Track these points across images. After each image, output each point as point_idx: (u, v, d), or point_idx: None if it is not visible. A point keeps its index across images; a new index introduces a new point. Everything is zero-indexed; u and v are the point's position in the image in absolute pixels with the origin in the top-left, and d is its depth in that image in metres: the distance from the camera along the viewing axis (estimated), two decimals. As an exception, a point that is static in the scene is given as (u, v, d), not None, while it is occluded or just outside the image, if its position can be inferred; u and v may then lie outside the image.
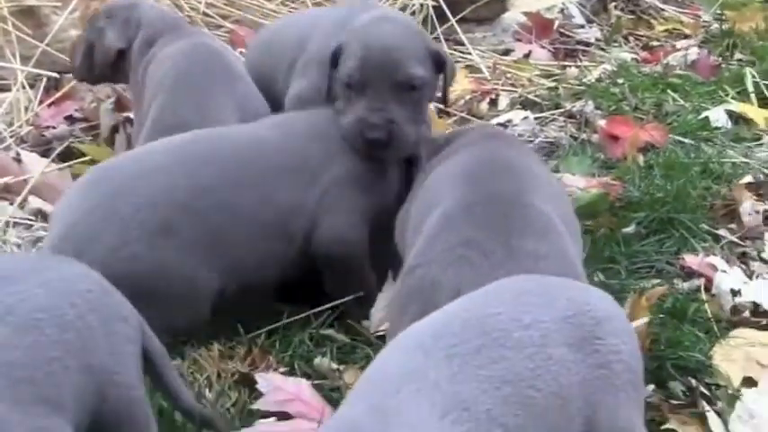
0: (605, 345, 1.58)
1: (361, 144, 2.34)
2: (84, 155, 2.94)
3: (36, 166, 2.82)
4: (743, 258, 2.74)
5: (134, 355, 1.65)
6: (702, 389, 2.15)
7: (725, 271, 2.57)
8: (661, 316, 2.33)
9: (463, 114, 3.46)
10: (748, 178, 3.02)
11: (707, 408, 2.06)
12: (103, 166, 2.29)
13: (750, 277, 2.61)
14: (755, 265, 2.69)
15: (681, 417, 2.06)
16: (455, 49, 3.90)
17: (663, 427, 2.01)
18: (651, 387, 2.11)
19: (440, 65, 2.44)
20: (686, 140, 3.27)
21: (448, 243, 1.90)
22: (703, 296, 2.46)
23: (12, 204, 2.66)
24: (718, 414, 2.05)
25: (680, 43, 4.36)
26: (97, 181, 2.20)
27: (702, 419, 2.04)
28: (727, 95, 3.62)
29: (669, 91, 3.65)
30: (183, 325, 2.13)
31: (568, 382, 1.51)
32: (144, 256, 2.10)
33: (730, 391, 2.11)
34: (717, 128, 3.41)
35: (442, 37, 3.85)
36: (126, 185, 2.15)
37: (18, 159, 2.83)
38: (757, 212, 2.88)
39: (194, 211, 2.16)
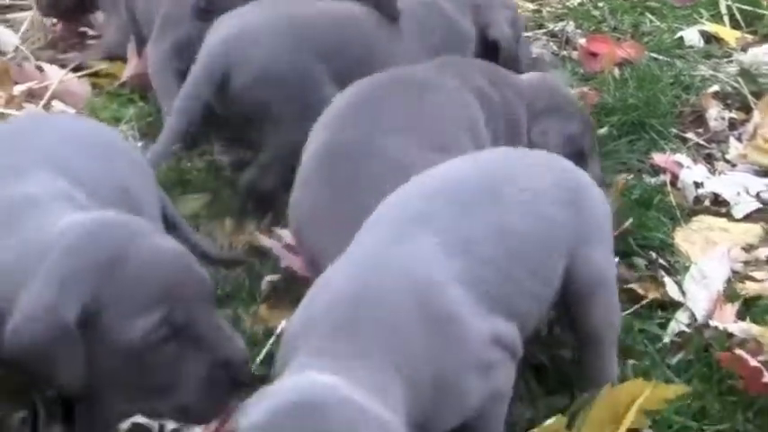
0: (586, 207, 1.87)
1: None
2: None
3: (56, 74, 3.04)
4: (708, 159, 2.97)
5: None
6: (662, 262, 2.41)
7: (689, 167, 2.81)
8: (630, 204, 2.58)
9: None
10: (715, 88, 3.25)
11: (664, 275, 2.31)
12: None
13: (713, 174, 2.85)
14: (719, 165, 2.93)
15: (642, 283, 2.31)
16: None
17: (625, 286, 2.27)
18: (616, 259, 2.36)
19: None
20: (660, 57, 3.49)
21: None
22: (669, 188, 2.70)
23: (37, 107, 2.89)
24: (676, 283, 2.30)
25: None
26: None
27: (661, 285, 2.29)
28: (701, 18, 3.83)
29: (647, 13, 3.86)
30: None
31: (556, 235, 1.78)
32: None
33: (687, 264, 2.35)
34: (690, 46, 3.62)
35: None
36: None
37: (40, 68, 3.05)
38: (723, 119, 3.11)
39: None
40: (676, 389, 1.83)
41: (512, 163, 1.88)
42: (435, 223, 1.66)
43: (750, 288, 2.28)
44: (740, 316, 2.16)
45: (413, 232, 1.65)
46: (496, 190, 1.76)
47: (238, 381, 1.57)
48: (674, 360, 2.05)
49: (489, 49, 2.79)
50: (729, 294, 2.21)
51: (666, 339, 2.11)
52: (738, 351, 1.93)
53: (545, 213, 1.80)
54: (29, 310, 1.48)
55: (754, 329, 2.04)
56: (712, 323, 2.09)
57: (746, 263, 2.45)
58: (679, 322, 2.13)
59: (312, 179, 2.04)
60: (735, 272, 2.38)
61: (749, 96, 3.20)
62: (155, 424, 1.81)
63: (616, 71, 3.32)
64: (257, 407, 1.37)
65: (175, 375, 1.54)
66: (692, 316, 2.16)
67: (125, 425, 1.79)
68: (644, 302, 2.23)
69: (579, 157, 2.36)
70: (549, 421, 1.73)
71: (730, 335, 2.06)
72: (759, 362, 1.93)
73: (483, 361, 1.59)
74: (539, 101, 2.45)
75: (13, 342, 1.48)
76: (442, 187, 1.75)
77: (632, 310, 2.19)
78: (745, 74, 3.31)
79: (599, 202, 1.92)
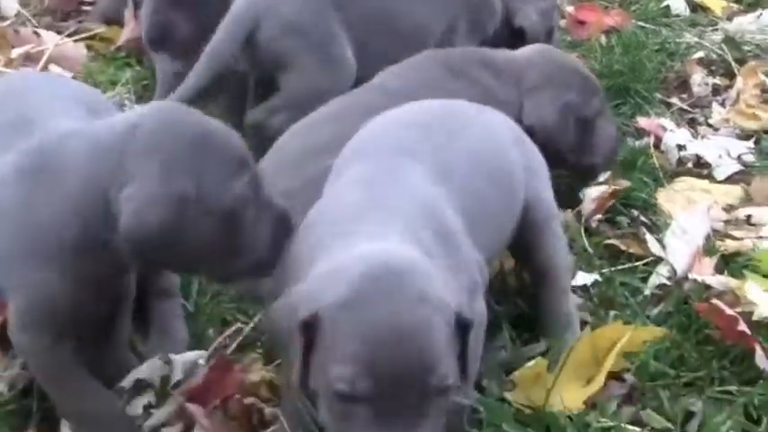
0: (528, 146, 2.01)
1: None
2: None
3: (53, 39, 3.10)
4: (692, 124, 3.04)
5: None
6: (644, 220, 2.48)
7: (673, 131, 2.88)
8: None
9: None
10: (700, 55, 3.31)
11: (645, 232, 2.37)
12: None
13: (696, 138, 2.92)
14: (702, 129, 3.00)
15: (624, 240, 2.38)
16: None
17: (605, 242, 2.34)
18: (598, 216, 2.43)
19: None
20: (647, 25, 3.55)
21: None
22: (652, 151, 2.77)
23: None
24: (658, 240, 2.37)
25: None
26: None
27: (643, 242, 2.36)
28: (689, -14, 3.89)
29: (635, -18, 3.92)
30: None
31: (516, 169, 1.86)
32: None
33: (669, 222, 2.42)
34: (676, 15, 3.69)
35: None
36: None
37: (37, 33, 3.10)
38: (707, 84, 3.18)
39: None
40: (654, 331, 1.91)
41: (465, 106, 1.97)
42: (417, 153, 1.74)
43: (729, 245, 2.34)
44: (719, 271, 2.23)
45: (400, 160, 1.72)
46: (462, 126, 1.86)
47: (290, 232, 1.70)
48: (654, 311, 2.11)
49: (516, 36, 2.81)
50: (709, 249, 2.28)
51: (647, 292, 2.17)
52: (715, 301, 2.00)
53: (506, 148, 1.92)
54: (145, 194, 1.58)
55: (732, 282, 2.10)
56: (691, 276, 2.16)
57: (727, 222, 2.51)
58: (659, 275, 2.19)
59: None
60: (715, 230, 2.43)
61: (733, 63, 3.26)
62: (156, 379, 1.88)
63: (603, 38, 3.38)
64: (322, 288, 1.43)
65: (253, 234, 1.69)
66: (672, 270, 2.22)
67: (128, 382, 1.86)
68: (625, 258, 2.30)
69: (583, 124, 2.42)
70: (529, 364, 1.81)
71: (708, 287, 2.12)
72: (735, 313, 2.00)
73: (473, 283, 1.66)
74: (529, 75, 2.42)
75: (139, 225, 1.58)
76: (413, 120, 1.84)
77: (615, 266, 2.26)
78: (730, 41, 3.38)
79: (533, 145, 2.04)
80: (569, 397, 1.77)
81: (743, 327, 1.94)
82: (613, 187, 2.49)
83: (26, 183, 1.68)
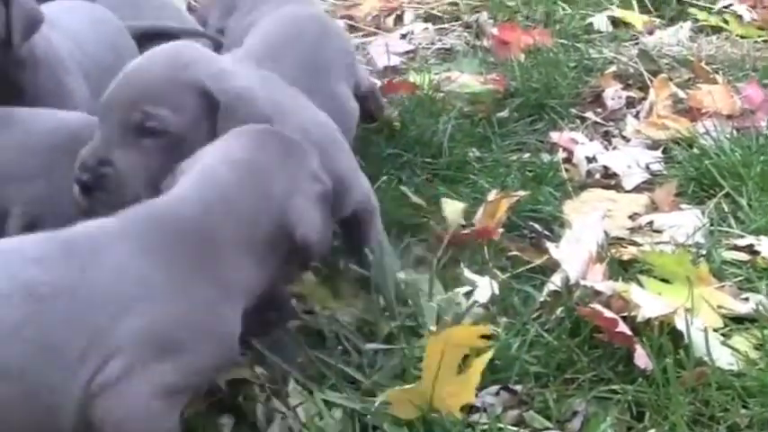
0: None
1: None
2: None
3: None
4: (605, 136, 3.13)
5: None
6: (546, 232, 2.55)
7: (584, 144, 2.97)
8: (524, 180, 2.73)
9: (371, 28, 3.84)
10: (614, 69, 3.41)
11: (546, 243, 2.45)
12: None
13: (608, 150, 3.01)
14: (615, 141, 3.09)
15: (526, 252, 2.46)
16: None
17: (509, 254, 2.42)
18: (501, 230, 2.51)
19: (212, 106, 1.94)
20: (568, 42, 3.65)
21: None
22: (561, 164, 2.85)
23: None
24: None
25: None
26: None
27: (544, 252, 2.43)
28: (611, 4, 4.00)
29: (559, 2, 4.02)
30: None
31: None
32: None
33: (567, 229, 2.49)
34: (598, 31, 3.79)
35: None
36: None
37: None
38: (620, 98, 3.28)
39: None
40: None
41: None
42: None
43: (628, 252, 2.42)
44: (616, 277, 2.30)
45: None
46: None
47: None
48: (547, 318, 2.18)
49: None
50: (601, 256, 2.35)
51: (540, 299, 2.24)
52: (595, 305, 2.07)
53: None
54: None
55: (618, 286, 2.17)
56: (583, 282, 2.23)
57: (631, 229, 2.60)
58: (552, 283, 2.26)
59: None
60: (619, 238, 2.52)
61: (646, 75, 3.36)
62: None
63: (522, 56, 3.47)
64: None
65: None
66: (567, 277, 2.29)
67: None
68: (524, 268, 2.37)
69: None
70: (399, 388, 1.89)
71: (598, 292, 2.20)
72: (623, 316, 2.07)
73: None
74: None
75: None
76: None
77: (513, 273, 2.34)
78: (644, 54, 3.48)
79: None
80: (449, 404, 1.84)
81: (622, 328, 2.01)
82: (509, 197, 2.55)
83: None
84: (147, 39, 2.60)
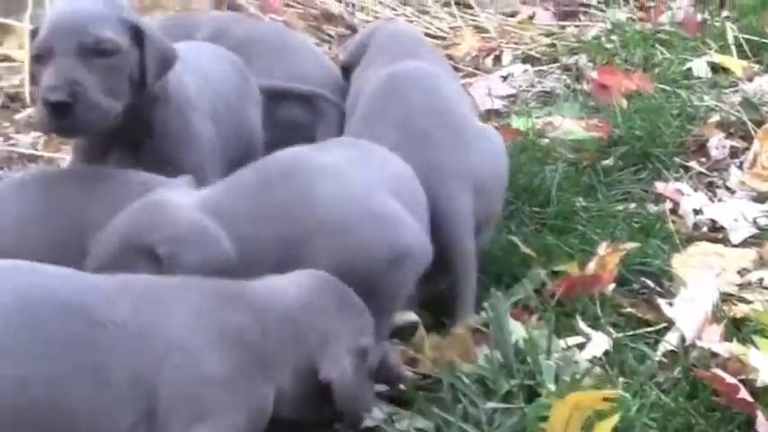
0: None
1: (47, 115, 2.12)
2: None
3: None
4: (710, 187, 3.14)
5: None
6: (657, 288, 2.57)
7: (690, 195, 2.98)
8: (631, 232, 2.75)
9: (470, 69, 3.88)
10: (717, 117, 3.41)
11: (658, 299, 2.46)
12: None
13: (713, 201, 3.02)
14: (720, 192, 3.10)
15: (638, 308, 2.47)
16: (465, 12, 4.31)
17: (621, 311, 2.43)
18: (612, 286, 2.52)
19: (139, 38, 2.24)
20: (669, 88, 3.66)
21: None
22: (668, 216, 2.87)
23: None
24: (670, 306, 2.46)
25: (674, 3, 4.74)
26: None
27: (656, 308, 2.45)
28: (710, 49, 4.01)
29: (658, 45, 4.04)
30: None
31: None
32: None
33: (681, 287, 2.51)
34: (698, 77, 3.80)
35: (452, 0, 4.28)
36: None
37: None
38: (724, 147, 3.28)
39: None
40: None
41: None
42: None
43: (740, 310, 2.43)
44: (729, 337, 2.31)
45: None
46: None
47: None
48: (662, 378, 2.20)
49: None
50: (717, 316, 2.36)
51: (656, 359, 2.26)
52: (716, 370, 2.08)
53: None
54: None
55: (736, 349, 2.18)
56: (699, 343, 2.24)
57: (740, 285, 2.60)
58: (668, 342, 2.28)
59: None
60: (729, 294, 2.52)
61: (749, 124, 3.36)
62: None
63: (624, 102, 3.49)
64: None
65: None
66: (682, 337, 2.31)
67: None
68: (637, 324, 2.40)
69: None
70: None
71: (715, 354, 2.21)
72: (741, 380, 2.08)
73: None
74: None
75: None
76: None
77: (627, 334, 2.36)
78: (747, 103, 3.48)
79: None
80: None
81: (744, 394, 2.02)
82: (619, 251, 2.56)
83: None
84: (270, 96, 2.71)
